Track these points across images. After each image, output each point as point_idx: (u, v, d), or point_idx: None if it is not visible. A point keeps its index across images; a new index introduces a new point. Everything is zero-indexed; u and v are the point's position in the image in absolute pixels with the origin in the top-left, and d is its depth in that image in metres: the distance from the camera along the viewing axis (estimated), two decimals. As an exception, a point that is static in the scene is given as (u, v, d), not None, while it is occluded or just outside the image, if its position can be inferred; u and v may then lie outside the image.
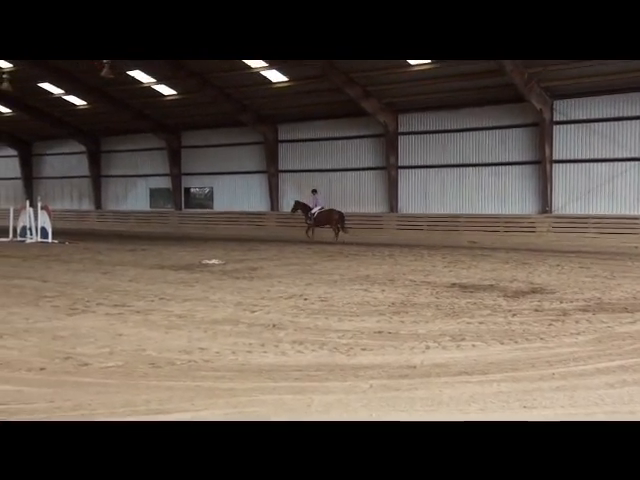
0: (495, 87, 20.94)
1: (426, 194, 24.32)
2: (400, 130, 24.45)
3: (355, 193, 26.03)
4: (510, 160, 22.43)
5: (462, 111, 22.92)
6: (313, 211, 22.18)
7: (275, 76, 23.67)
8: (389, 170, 24.56)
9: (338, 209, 22.37)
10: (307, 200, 23.03)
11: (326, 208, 22.41)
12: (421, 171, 24.33)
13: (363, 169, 25.74)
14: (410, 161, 24.47)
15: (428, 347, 5.41)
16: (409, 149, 24.45)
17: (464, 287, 9.13)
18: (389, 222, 24.73)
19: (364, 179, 25.83)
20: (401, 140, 24.51)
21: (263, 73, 23.44)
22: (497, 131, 22.50)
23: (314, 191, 23.30)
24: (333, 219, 21.55)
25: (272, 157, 27.61)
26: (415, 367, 4.75)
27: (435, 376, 4.49)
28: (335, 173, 26.37)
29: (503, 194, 22.67)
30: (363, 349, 5.33)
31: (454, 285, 9.34)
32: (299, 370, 4.67)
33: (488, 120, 22.53)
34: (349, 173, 26.06)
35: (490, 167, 22.83)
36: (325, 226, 21.78)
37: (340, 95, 23.22)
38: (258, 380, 4.40)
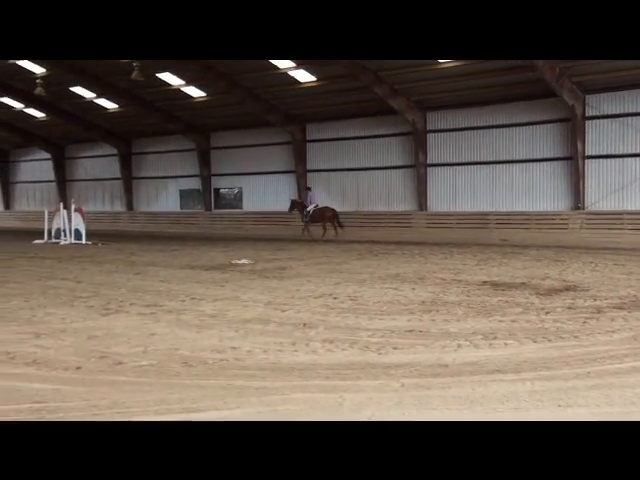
0: (525, 83, 20.68)
1: (455, 192, 24.13)
2: (429, 128, 24.31)
3: (384, 192, 25.95)
4: (541, 156, 22.13)
5: (492, 107, 22.69)
6: (308, 209, 22.64)
7: (303, 76, 23.71)
8: (418, 168, 24.42)
9: (332, 207, 22.95)
10: (303, 197, 23.61)
11: (321, 206, 22.98)
12: (450, 169, 24.14)
13: (392, 167, 25.63)
14: (439, 159, 24.30)
15: (460, 345, 5.37)
16: (438, 147, 24.28)
17: (495, 285, 9.04)
18: (418, 220, 24.60)
19: (393, 177, 25.72)
20: (430, 138, 24.36)
21: (291, 73, 23.50)
22: (528, 127, 22.21)
23: (308, 188, 24.02)
24: (326, 216, 22.07)
25: (300, 157, 27.67)
26: (447, 366, 4.72)
27: (467, 375, 4.45)
28: (363, 172, 26.32)
29: (534, 191, 22.37)
30: (394, 348, 5.31)
31: (485, 283, 9.26)
32: (330, 369, 4.67)
33: (518, 116, 22.26)
34: (377, 172, 25.98)
35: (521, 164, 22.55)
36: (319, 223, 22.25)
37: (368, 94, 23.16)
38: (289, 379, 4.41)
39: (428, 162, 24.39)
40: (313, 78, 23.74)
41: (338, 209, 26.10)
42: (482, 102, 22.62)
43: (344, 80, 22.89)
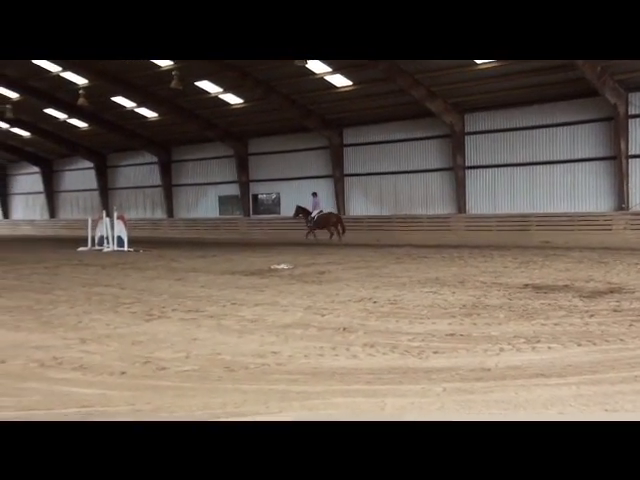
0: (565, 82, 20.35)
1: (495, 194, 23.85)
2: (467, 130, 24.09)
3: (422, 195, 25.80)
4: (583, 156, 21.71)
5: (531, 108, 22.37)
6: (313, 214, 23.39)
7: (339, 80, 23.76)
8: (456, 171, 24.21)
9: (337, 213, 24.17)
10: (307, 204, 24.16)
11: (325, 211, 23.82)
12: (489, 170, 23.88)
13: (430, 170, 25.48)
14: (478, 161, 24.06)
15: (502, 349, 5.30)
16: (476, 149, 24.04)
17: (537, 288, 8.90)
18: (457, 223, 24.38)
19: (431, 180, 25.57)
20: (468, 140, 24.13)
21: (327, 78, 23.58)
22: (568, 127, 21.84)
23: (314, 194, 24.53)
24: (331, 222, 22.82)
25: (337, 161, 27.72)
26: (489, 370, 4.66)
27: (510, 379, 4.39)
28: (401, 175, 26.21)
29: (576, 191, 21.97)
30: (435, 352, 5.27)
31: (527, 286, 9.12)
32: (371, 373, 4.66)
33: (559, 116, 21.90)
34: (415, 175, 25.86)
35: (562, 164, 22.17)
36: (324, 228, 22.97)
37: (405, 97, 23.09)
38: (331, 383, 4.42)
39: (466, 164, 24.16)
40: (349, 82, 23.77)
41: (376, 213, 26.18)
42: (521, 103, 22.32)
43: (381, 84, 22.87)
